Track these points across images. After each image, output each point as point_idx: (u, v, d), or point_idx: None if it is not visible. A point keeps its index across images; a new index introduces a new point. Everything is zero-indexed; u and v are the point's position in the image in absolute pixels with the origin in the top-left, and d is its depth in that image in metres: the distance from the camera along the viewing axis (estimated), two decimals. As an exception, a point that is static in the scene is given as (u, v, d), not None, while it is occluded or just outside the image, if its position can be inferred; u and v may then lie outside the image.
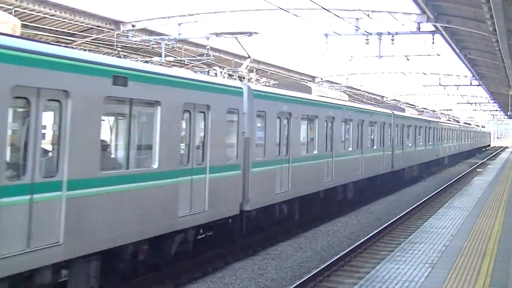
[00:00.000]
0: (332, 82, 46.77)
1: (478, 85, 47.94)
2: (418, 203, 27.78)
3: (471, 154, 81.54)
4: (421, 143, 41.99)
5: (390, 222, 22.22)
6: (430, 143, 45.56)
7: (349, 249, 17.34)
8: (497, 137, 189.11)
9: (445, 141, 54.41)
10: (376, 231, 20.40)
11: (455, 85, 50.02)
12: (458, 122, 71.41)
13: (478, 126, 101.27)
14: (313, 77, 46.88)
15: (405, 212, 24.87)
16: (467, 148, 76.34)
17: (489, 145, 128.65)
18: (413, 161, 39.59)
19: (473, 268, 11.86)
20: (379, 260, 15.50)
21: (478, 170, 49.51)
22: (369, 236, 19.39)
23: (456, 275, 11.30)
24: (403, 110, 39.47)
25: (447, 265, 12.15)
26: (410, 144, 38.19)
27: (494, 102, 70.52)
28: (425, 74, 46.93)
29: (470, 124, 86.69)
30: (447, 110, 76.21)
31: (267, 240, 18.74)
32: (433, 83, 50.37)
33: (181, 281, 14.13)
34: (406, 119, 37.54)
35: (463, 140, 70.83)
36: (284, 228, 20.19)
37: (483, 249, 13.78)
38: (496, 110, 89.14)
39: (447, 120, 63.71)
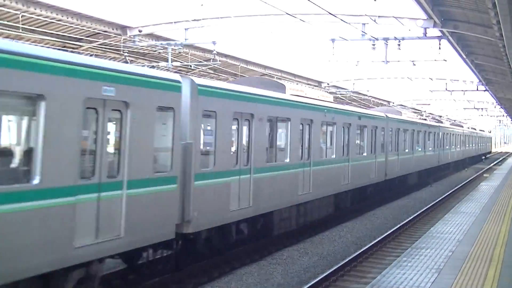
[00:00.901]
0: (338, 87, 46.83)
1: (484, 91, 47.91)
2: (424, 209, 27.72)
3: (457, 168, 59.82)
4: (345, 155, 24.15)
5: (396, 228, 22.18)
6: (364, 154, 27.20)
7: (355, 254, 17.31)
8: (504, 142, 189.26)
9: (408, 150, 35.71)
10: (383, 236, 20.36)
11: (462, 91, 49.99)
12: (440, 121, 54.03)
13: (475, 129, 79.63)
14: (320, 82, 46.94)
15: (411, 218, 24.81)
16: (450, 159, 53.81)
17: (490, 152, 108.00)
18: (277, 200, 18.19)
19: (480, 274, 11.84)
20: (386, 266, 15.47)
21: (484, 175, 49.40)
22: (375, 241, 19.36)
23: (463, 281, 11.28)
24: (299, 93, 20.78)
25: (453, 270, 12.13)
26: (320, 158, 21.46)
27: (501, 107, 70.41)
28: (431, 79, 46.94)
29: (462, 126, 67.85)
30: (423, 104, 63.72)
31: (273, 245, 18.73)
32: (439, 88, 50.35)
33: (187, 286, 14.12)
34: (273, 106, 17.95)
35: (446, 147, 51.02)
36: (290, 233, 20.18)
37: (490, 254, 13.75)
38: (503, 115, 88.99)
39: (421, 118, 47.54)
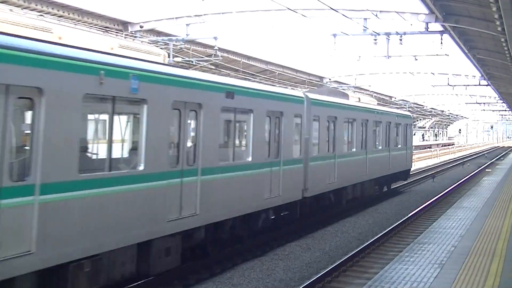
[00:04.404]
0: (340, 83, 46.76)
1: (486, 85, 47.87)
2: (426, 203, 27.70)
3: None
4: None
5: (398, 223, 22.16)
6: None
7: (358, 249, 17.30)
8: (507, 137, 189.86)
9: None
10: (385, 231, 20.35)
11: (464, 85, 50.00)
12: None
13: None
14: (321, 78, 46.88)
15: (413, 212, 24.79)
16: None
17: (407, 173, 34.37)
18: None
19: (482, 269, 11.83)
20: (388, 261, 15.46)
21: (487, 170, 49.37)
22: (377, 237, 19.34)
23: (465, 276, 11.26)
24: None
25: (456, 265, 12.12)
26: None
27: (503, 102, 70.37)
28: (433, 74, 46.92)
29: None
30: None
31: (275, 240, 18.73)
32: (441, 83, 50.36)
33: (189, 282, 14.13)
34: None
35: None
36: (292, 229, 20.18)
37: (492, 249, 13.73)
38: (505, 110, 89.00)
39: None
